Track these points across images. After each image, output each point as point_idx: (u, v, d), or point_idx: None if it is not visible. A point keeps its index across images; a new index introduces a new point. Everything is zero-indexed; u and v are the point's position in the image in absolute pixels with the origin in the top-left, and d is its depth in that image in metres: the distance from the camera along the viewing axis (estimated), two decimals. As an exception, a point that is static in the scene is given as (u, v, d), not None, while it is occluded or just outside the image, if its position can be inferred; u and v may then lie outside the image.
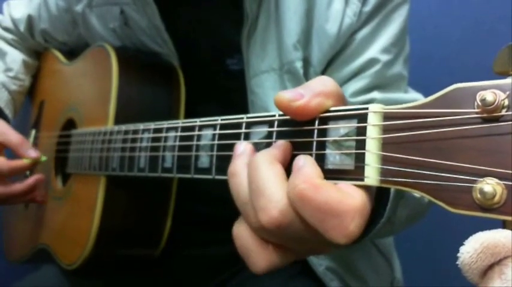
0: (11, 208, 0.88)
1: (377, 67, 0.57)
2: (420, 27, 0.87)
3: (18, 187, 0.66)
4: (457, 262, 0.23)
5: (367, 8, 0.56)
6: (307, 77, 0.59)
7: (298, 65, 0.57)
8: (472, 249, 0.22)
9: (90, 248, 0.59)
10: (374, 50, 0.57)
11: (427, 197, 0.26)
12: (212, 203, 0.68)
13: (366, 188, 0.28)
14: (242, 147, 0.34)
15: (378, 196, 0.36)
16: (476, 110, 0.25)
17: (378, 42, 0.57)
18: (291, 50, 0.57)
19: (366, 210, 0.28)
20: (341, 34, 0.56)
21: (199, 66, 0.66)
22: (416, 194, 0.27)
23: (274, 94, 0.58)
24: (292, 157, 0.32)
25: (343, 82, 0.58)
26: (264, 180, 0.29)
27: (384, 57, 0.57)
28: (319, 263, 0.61)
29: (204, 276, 0.70)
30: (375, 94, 0.56)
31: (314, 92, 0.30)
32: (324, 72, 0.59)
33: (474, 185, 0.24)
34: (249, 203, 0.30)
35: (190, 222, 0.69)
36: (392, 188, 0.28)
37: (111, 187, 0.59)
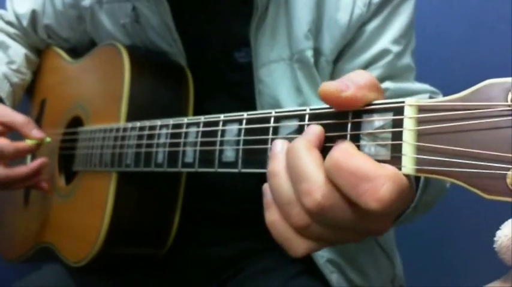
0: (8, 206, 0.86)
1: (389, 58, 0.59)
2: (421, 27, 0.89)
3: (23, 169, 0.65)
4: (494, 245, 0.25)
5: None
6: (317, 66, 0.60)
7: (309, 54, 0.59)
8: (510, 232, 0.24)
9: (100, 245, 0.59)
10: (385, 41, 0.59)
11: (462, 185, 0.28)
12: (219, 200, 0.69)
13: (406, 175, 0.30)
14: (280, 146, 0.34)
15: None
16: (508, 103, 0.27)
17: (388, 33, 0.59)
18: (302, 39, 0.58)
19: (398, 179, 0.29)
20: (352, 24, 0.58)
21: (207, 63, 0.67)
22: (451, 182, 0.28)
23: (284, 83, 0.61)
24: (325, 149, 0.33)
25: None
26: (305, 166, 0.31)
27: (395, 48, 0.59)
28: (321, 256, 0.63)
29: (207, 275, 0.71)
30: (387, 84, 0.58)
31: (359, 84, 0.31)
32: (336, 63, 0.61)
33: (508, 172, 0.26)
34: (292, 202, 0.31)
35: (197, 221, 0.69)
36: (428, 176, 0.30)
37: (122, 184, 0.60)
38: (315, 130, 0.34)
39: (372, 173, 0.28)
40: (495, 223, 0.26)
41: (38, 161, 0.66)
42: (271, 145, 0.38)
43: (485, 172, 0.27)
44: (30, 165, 0.66)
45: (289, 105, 0.60)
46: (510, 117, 0.27)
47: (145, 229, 0.64)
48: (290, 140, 0.36)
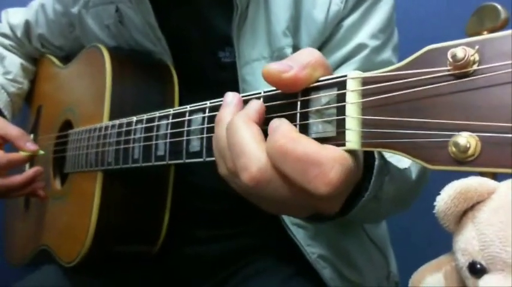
0: (11, 211, 0.88)
1: (365, 52, 0.58)
2: (420, 27, 0.87)
3: (18, 178, 0.67)
4: (434, 211, 0.24)
5: None
6: None
7: (288, 51, 0.58)
8: (446, 196, 0.23)
9: (89, 244, 0.60)
10: (362, 36, 0.58)
11: (407, 157, 0.27)
12: (210, 198, 0.69)
13: (350, 152, 0.29)
14: (230, 97, 0.35)
15: (364, 172, 0.37)
16: (448, 68, 0.25)
17: (365, 28, 0.58)
18: (281, 37, 0.58)
19: (345, 160, 0.28)
20: (329, 21, 0.57)
21: (192, 61, 0.67)
22: (396, 154, 0.27)
23: (265, 82, 0.60)
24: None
25: (333, 69, 0.59)
26: (243, 141, 0.31)
27: (372, 43, 0.58)
28: (312, 252, 0.62)
29: (204, 274, 0.71)
30: None
31: (302, 64, 0.31)
32: None
33: (449, 139, 0.25)
34: (226, 157, 0.33)
35: (189, 219, 0.69)
36: (374, 150, 0.28)
37: (108, 183, 0.60)
38: (254, 105, 0.34)
39: (319, 157, 0.28)
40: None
41: (33, 170, 0.68)
42: None
43: (428, 141, 0.26)
44: (25, 174, 0.68)
45: None
46: (450, 82, 0.25)
47: (134, 227, 0.64)
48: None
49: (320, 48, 0.59)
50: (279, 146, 0.29)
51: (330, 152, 0.28)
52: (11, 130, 0.70)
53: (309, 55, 0.32)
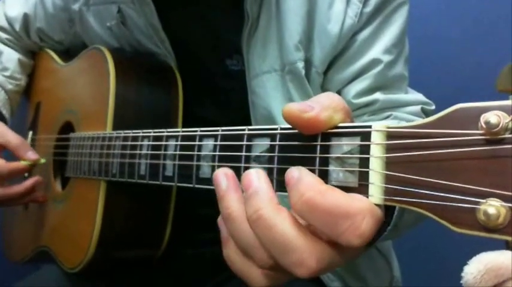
0: (10, 208, 0.88)
1: (379, 68, 0.57)
2: (420, 27, 0.87)
3: (17, 188, 0.67)
4: (461, 282, 0.23)
5: (368, 9, 0.56)
6: (308, 77, 0.58)
7: (300, 65, 0.57)
8: (475, 270, 0.23)
9: (92, 252, 0.59)
10: (376, 51, 0.57)
11: (432, 217, 0.26)
12: (212, 204, 0.68)
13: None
14: (224, 183, 0.32)
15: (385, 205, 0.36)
16: (479, 132, 0.25)
17: (379, 43, 0.57)
18: (293, 50, 0.57)
19: (375, 211, 0.27)
20: (342, 34, 0.56)
21: (197, 66, 0.66)
22: (420, 213, 0.27)
23: (276, 95, 0.59)
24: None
25: (345, 83, 0.58)
26: (287, 236, 0.28)
27: (386, 58, 0.57)
28: None
29: (205, 275, 0.71)
30: (377, 95, 0.57)
31: (323, 105, 0.30)
32: (326, 73, 0.59)
33: (478, 206, 0.24)
34: (255, 247, 0.30)
35: (191, 223, 0.69)
36: (397, 206, 0.28)
37: (112, 191, 0.59)
38: (267, 185, 0.30)
39: (350, 209, 0.27)
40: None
41: (32, 180, 0.68)
42: (244, 163, 0.36)
43: (455, 205, 0.25)
44: (24, 184, 0.67)
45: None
46: (481, 148, 0.25)
47: (138, 235, 0.63)
48: (260, 158, 0.35)
49: (332, 62, 0.58)
50: (306, 199, 0.27)
51: (361, 203, 0.27)
52: (11, 139, 0.68)
53: (329, 98, 0.31)
